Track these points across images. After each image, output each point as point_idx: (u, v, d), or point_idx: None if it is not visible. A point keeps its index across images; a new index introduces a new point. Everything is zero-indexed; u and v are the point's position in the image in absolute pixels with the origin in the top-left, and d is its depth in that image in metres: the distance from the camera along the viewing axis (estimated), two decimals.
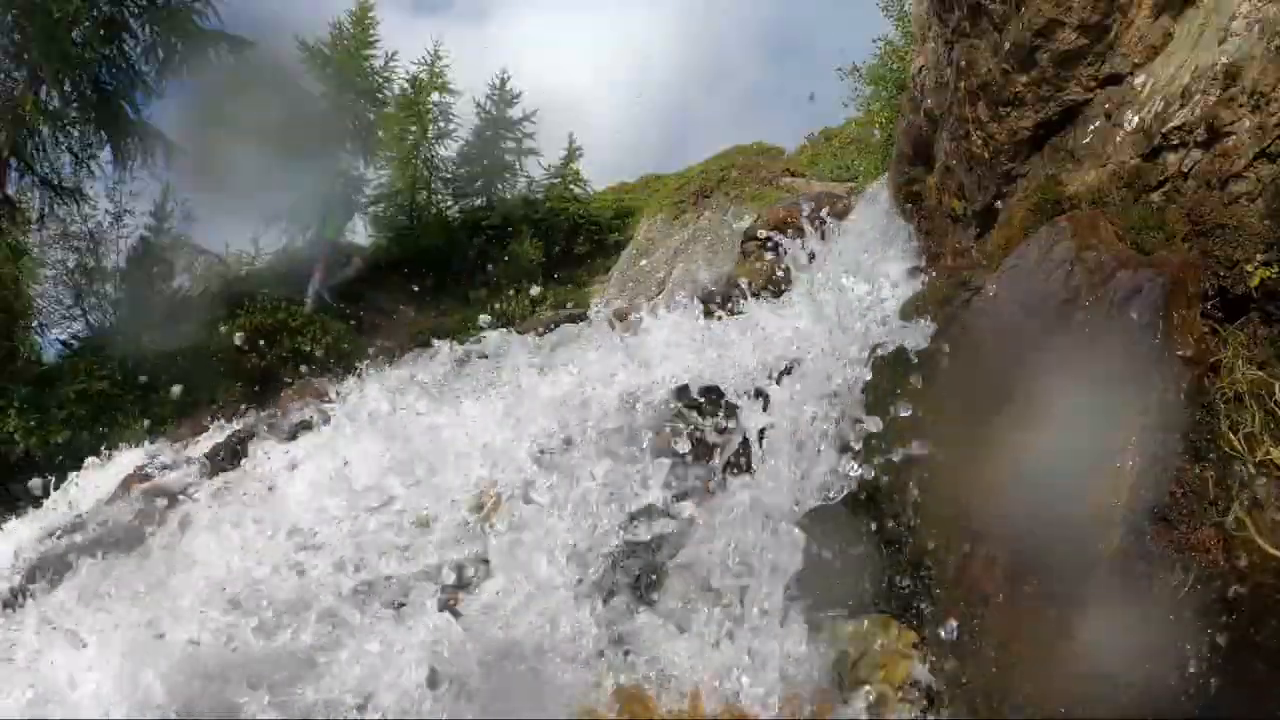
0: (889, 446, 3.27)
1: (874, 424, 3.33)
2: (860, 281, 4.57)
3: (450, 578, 3.42)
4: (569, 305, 9.40)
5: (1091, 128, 4.08)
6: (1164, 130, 3.53)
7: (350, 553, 3.64)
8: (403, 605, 3.30)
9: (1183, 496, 2.51)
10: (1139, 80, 3.88)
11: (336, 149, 13.59)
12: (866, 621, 2.88)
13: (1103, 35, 4.01)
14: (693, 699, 2.77)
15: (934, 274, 4.85)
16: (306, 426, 5.69)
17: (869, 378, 3.55)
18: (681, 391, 4.08)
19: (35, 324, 12.02)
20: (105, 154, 12.38)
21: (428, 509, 3.81)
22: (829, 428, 3.52)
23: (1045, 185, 4.19)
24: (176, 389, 8.80)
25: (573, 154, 15.37)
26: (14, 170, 11.62)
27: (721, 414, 3.92)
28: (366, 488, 4.00)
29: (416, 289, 10.78)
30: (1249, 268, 2.91)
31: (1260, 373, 2.62)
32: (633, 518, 3.47)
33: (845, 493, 3.29)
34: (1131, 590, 2.45)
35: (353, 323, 10.57)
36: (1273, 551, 2.31)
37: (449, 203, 15.01)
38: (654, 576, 3.28)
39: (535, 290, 11.18)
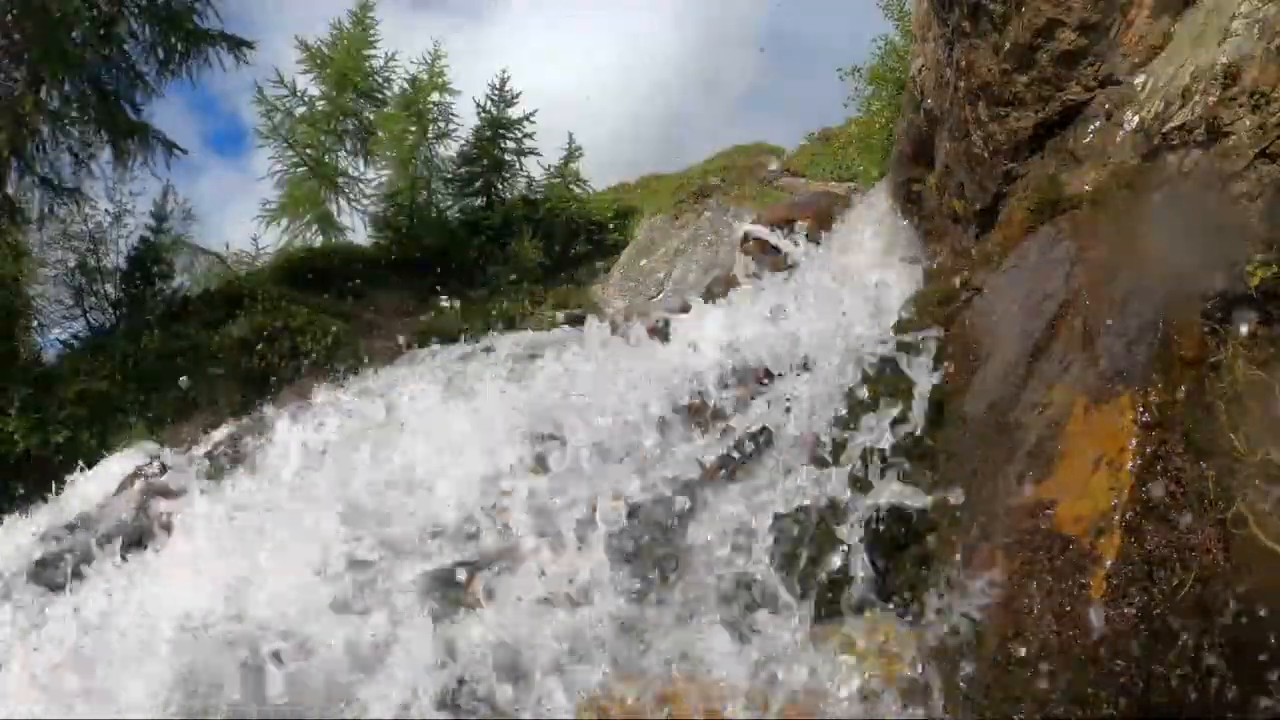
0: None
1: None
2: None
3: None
4: (573, 305, 9.40)
5: (1091, 128, 4.08)
6: (1164, 130, 3.53)
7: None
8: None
9: (1182, 496, 2.51)
10: (1139, 80, 3.88)
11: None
12: (865, 619, 2.88)
13: (1103, 35, 4.02)
14: (676, 698, 2.76)
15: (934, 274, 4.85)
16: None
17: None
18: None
19: (35, 324, 11.97)
20: (105, 154, 12.34)
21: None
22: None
23: (1045, 185, 4.19)
24: (182, 384, 8.81)
25: (573, 154, 15.32)
26: (14, 170, 11.60)
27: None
28: None
29: (416, 289, 10.76)
30: (1249, 268, 2.90)
31: (1260, 373, 2.62)
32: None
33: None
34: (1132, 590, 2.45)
35: (353, 322, 10.56)
36: (1274, 548, 2.31)
37: (449, 203, 14.98)
38: (659, 569, 3.28)
39: (535, 290, 11.15)
